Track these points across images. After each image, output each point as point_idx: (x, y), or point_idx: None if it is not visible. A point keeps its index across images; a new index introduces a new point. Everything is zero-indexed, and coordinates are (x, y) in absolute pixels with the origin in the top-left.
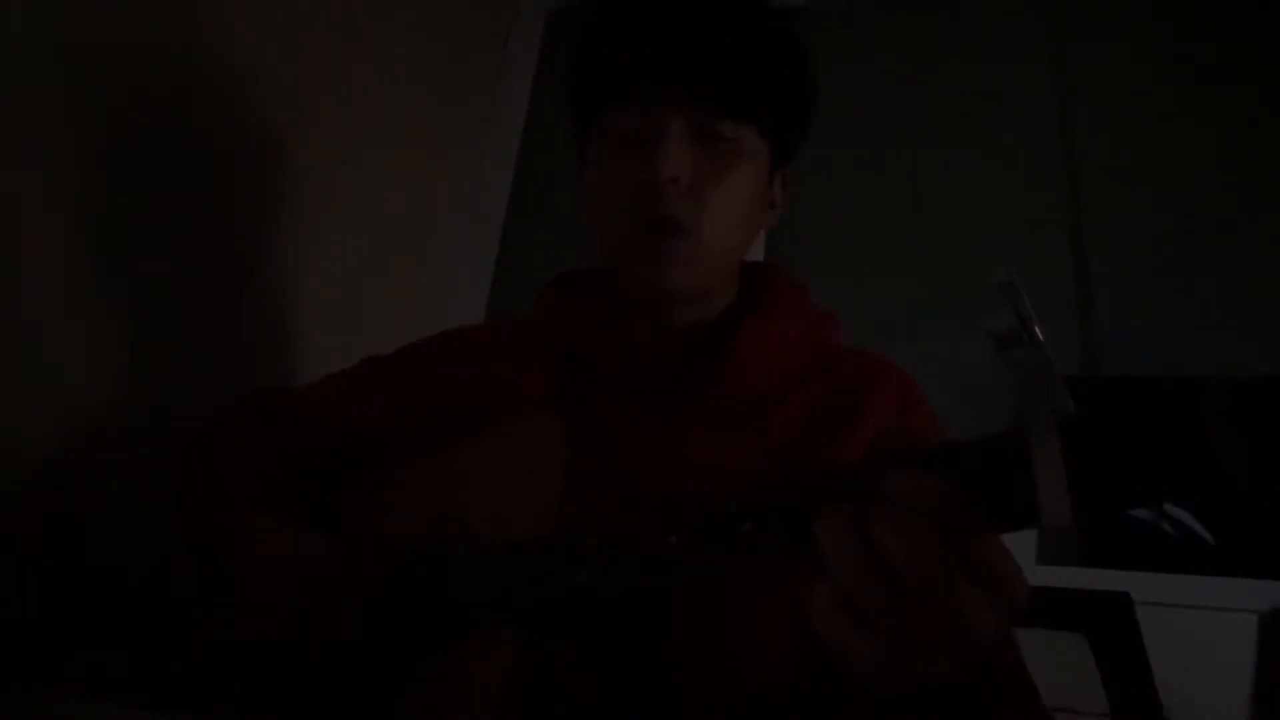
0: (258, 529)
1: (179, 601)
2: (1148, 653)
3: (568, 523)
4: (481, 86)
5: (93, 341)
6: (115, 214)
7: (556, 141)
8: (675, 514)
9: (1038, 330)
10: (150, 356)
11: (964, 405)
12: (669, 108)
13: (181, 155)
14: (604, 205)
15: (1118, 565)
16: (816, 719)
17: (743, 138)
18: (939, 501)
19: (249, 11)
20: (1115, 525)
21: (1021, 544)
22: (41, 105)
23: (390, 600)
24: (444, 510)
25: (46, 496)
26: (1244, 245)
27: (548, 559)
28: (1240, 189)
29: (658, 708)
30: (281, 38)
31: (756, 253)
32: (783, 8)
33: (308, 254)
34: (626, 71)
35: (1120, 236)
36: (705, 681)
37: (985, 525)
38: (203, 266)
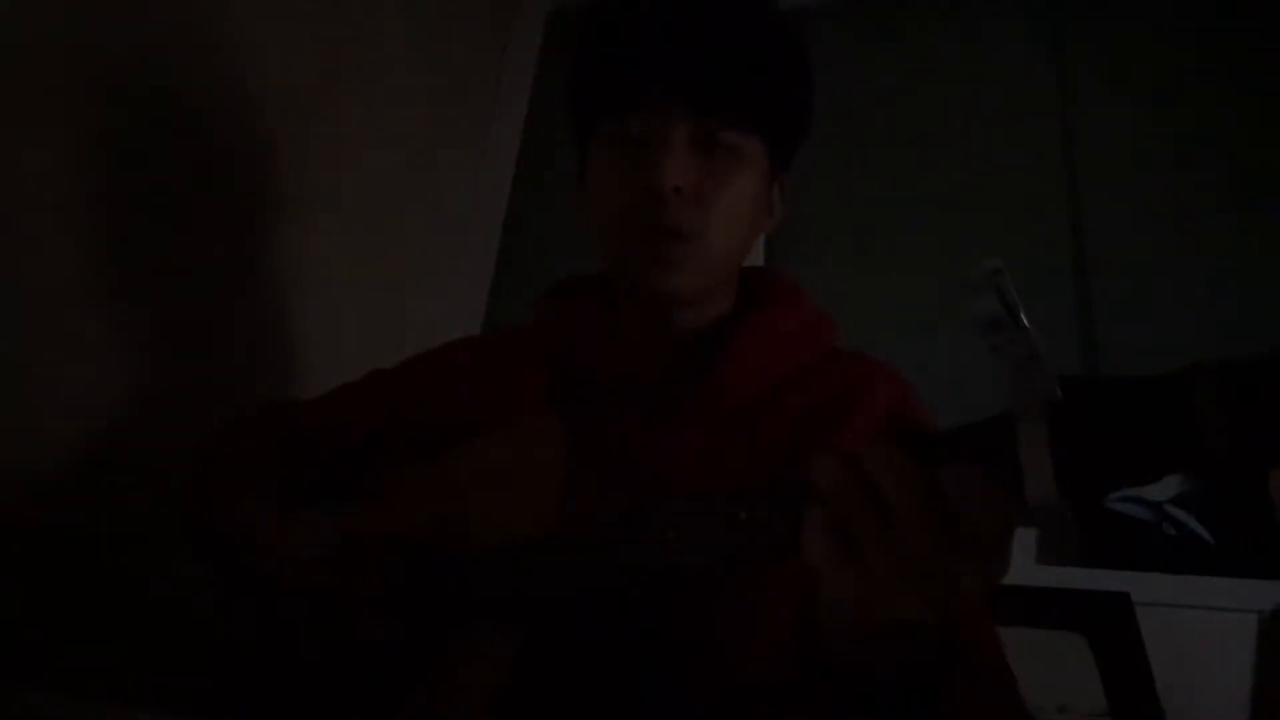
0: (268, 522)
1: (180, 602)
2: (1148, 653)
3: (567, 523)
4: (481, 86)
5: (93, 342)
6: (114, 215)
7: (556, 141)
8: (672, 510)
9: (1023, 315)
10: (150, 356)
11: (962, 405)
12: (673, 115)
13: (181, 156)
14: (605, 210)
15: (1118, 565)
16: (811, 714)
17: (744, 146)
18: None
19: (248, 11)
20: (1115, 525)
21: (1021, 543)
22: (41, 106)
23: (391, 600)
24: (445, 512)
25: (47, 497)
26: (1243, 244)
27: (547, 558)
28: (1240, 188)
29: (656, 705)
30: (282, 38)
31: (756, 255)
32: (783, 8)
33: (308, 253)
34: (631, 78)
35: (1120, 236)
36: (703, 679)
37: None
38: (202, 266)
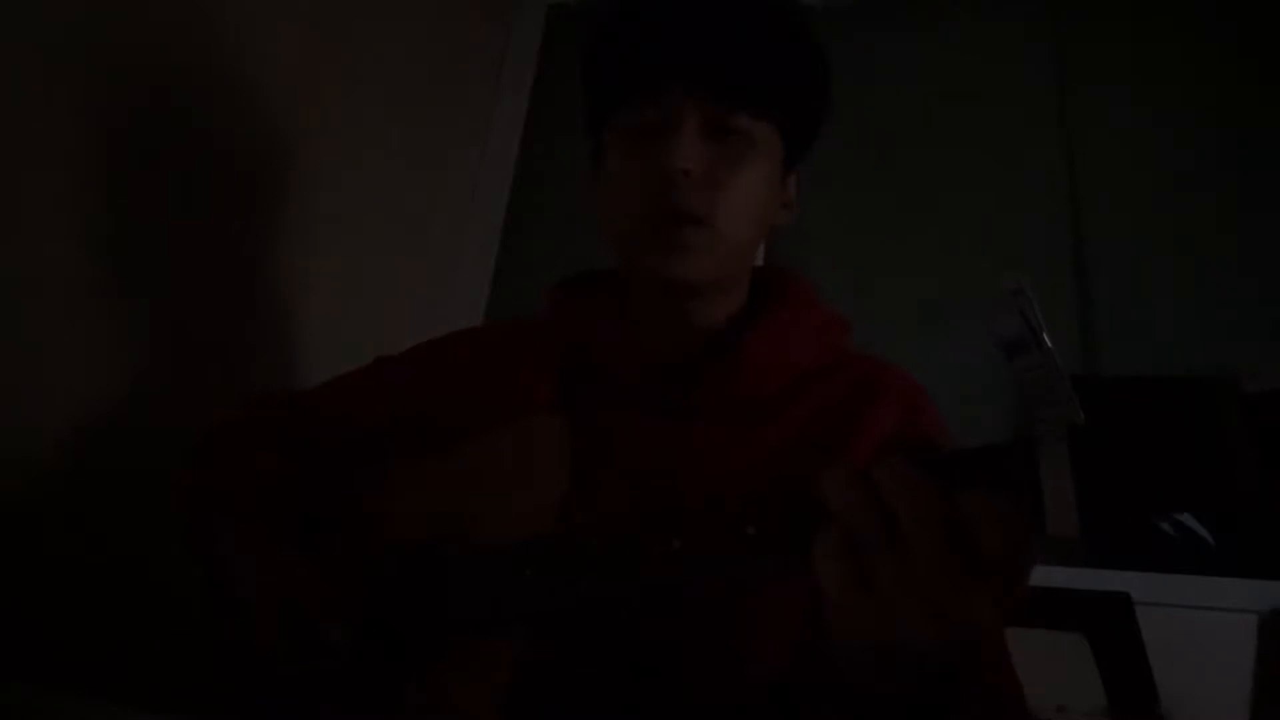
0: (248, 547)
1: (180, 602)
2: (1148, 653)
3: (571, 524)
4: (481, 86)
5: (94, 341)
6: (116, 215)
7: (556, 141)
8: (678, 518)
9: (1046, 338)
10: (151, 356)
11: (965, 407)
12: (684, 100)
13: (182, 156)
14: (618, 198)
15: (1118, 565)
16: (814, 717)
17: (757, 132)
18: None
19: (249, 12)
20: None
21: None
22: (43, 107)
23: (392, 601)
24: (447, 510)
25: (47, 497)
26: (1244, 245)
27: (550, 561)
28: (1240, 188)
29: (659, 708)
30: (281, 38)
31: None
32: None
33: (308, 253)
34: (642, 64)
35: (1120, 236)
36: (706, 682)
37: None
38: (203, 266)
